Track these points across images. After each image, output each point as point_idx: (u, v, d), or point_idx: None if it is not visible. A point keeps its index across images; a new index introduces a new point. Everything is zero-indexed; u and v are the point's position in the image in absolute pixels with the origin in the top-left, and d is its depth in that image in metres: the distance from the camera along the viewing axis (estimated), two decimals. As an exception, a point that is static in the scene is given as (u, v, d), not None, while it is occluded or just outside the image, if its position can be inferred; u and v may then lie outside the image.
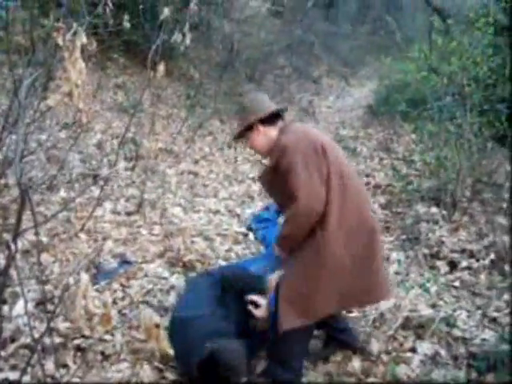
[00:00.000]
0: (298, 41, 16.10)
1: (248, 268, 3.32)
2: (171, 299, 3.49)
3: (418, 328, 3.31)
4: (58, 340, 2.82)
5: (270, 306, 2.83)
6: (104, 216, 4.64)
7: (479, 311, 3.52)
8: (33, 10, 3.75)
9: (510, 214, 5.06)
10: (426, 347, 3.12)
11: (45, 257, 3.66)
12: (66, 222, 4.33)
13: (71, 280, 2.01)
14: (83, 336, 2.92)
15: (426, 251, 4.45)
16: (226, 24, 11.94)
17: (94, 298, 2.05)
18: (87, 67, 2.64)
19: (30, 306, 3.01)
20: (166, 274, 3.79)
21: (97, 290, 3.32)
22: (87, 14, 3.96)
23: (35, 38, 3.46)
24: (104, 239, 4.14)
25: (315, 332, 3.00)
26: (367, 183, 6.34)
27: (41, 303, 3.07)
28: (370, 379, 2.88)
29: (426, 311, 3.49)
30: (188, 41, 4.07)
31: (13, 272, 2.60)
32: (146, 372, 2.73)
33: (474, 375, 2.89)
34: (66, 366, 2.69)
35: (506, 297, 3.65)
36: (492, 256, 4.18)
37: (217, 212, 5.29)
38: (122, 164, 5.92)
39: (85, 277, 1.90)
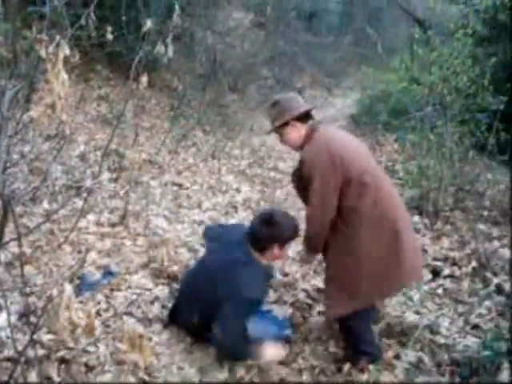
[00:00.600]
0: (280, 52, 16.21)
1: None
2: (155, 310, 3.48)
3: (401, 335, 3.34)
4: (41, 352, 2.80)
5: None
6: (88, 227, 4.62)
7: (462, 318, 3.56)
8: (15, 22, 3.74)
9: (490, 222, 5.13)
10: (409, 354, 3.14)
11: (28, 269, 3.64)
12: (50, 234, 4.31)
13: (55, 291, 2.01)
14: (67, 348, 2.90)
15: (409, 259, 4.49)
16: (209, 35, 11.99)
17: (78, 310, 2.05)
18: (70, 79, 2.64)
19: (13, 318, 2.99)
20: (150, 285, 3.78)
21: (80, 302, 3.31)
22: (70, 26, 3.98)
23: (18, 49, 3.46)
24: (87, 251, 4.12)
25: None
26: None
27: (24, 315, 3.06)
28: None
29: (410, 318, 3.52)
30: (171, 52, 4.08)
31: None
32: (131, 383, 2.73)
33: (457, 381, 2.91)
34: (49, 378, 2.67)
35: (487, 303, 3.70)
36: (474, 263, 4.23)
37: (201, 223, 5.29)
38: (105, 175, 5.91)
39: (68, 288, 1.90)
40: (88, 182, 5.46)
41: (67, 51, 2.77)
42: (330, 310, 3.05)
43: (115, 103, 8.39)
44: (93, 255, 4.09)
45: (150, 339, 3.14)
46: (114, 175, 5.98)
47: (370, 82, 12.93)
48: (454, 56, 5.60)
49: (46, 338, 2.92)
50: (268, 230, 3.05)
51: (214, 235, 3.55)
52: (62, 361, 2.82)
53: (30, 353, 2.66)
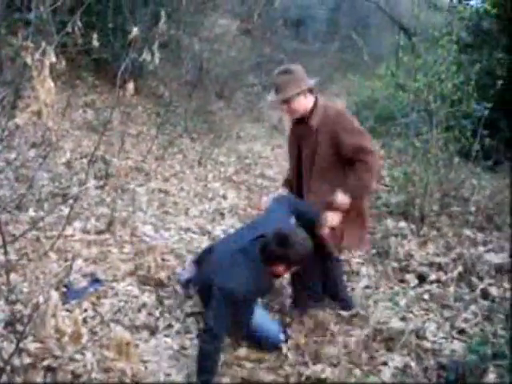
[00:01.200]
0: (267, 59, 16.25)
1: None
2: (142, 317, 3.48)
3: (388, 340, 3.35)
4: (27, 360, 2.79)
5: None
6: (74, 235, 4.60)
7: (448, 323, 3.58)
8: (0, 29, 3.74)
9: (476, 227, 5.17)
10: (396, 359, 3.16)
11: (14, 276, 3.61)
12: (36, 241, 4.29)
13: (41, 299, 2.00)
14: (53, 356, 2.89)
15: (395, 265, 4.51)
16: (195, 42, 11.99)
17: (64, 317, 2.04)
18: (56, 86, 2.64)
19: (-1, 326, 2.98)
20: (137, 292, 3.77)
21: (67, 310, 3.29)
22: (56, 33, 3.97)
23: (3, 56, 3.46)
24: (74, 258, 4.10)
25: None
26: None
27: (10, 324, 3.04)
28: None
29: (396, 324, 3.54)
30: (157, 60, 4.09)
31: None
32: (118, 391, 2.72)
33: (443, 386, 2.94)
34: (35, 386, 2.66)
35: (473, 308, 3.72)
36: (460, 268, 4.26)
37: (187, 230, 5.29)
38: (91, 182, 5.89)
39: (54, 295, 1.89)
40: (74, 190, 5.44)
41: (53, 58, 2.77)
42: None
43: (101, 110, 8.38)
44: (79, 263, 4.07)
45: (137, 346, 3.13)
46: (101, 182, 5.96)
47: (356, 89, 13.01)
48: (438, 63, 5.65)
49: (32, 346, 2.91)
50: (280, 250, 3.04)
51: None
52: (49, 369, 2.80)
53: (16, 361, 2.64)
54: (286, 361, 3.19)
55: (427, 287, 4.12)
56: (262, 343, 3.27)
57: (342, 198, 3.35)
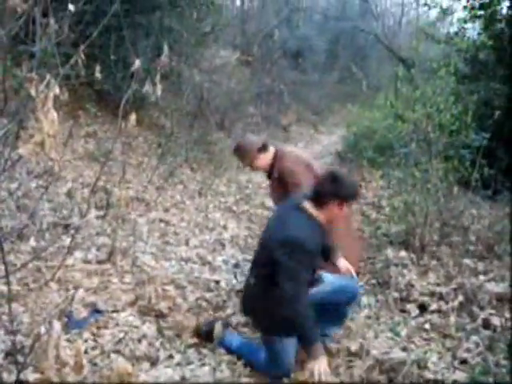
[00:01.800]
0: (267, 89, 16.44)
1: None
2: (143, 348, 3.46)
3: (389, 371, 3.33)
4: (27, 391, 2.78)
5: None
6: (75, 265, 4.61)
7: (449, 353, 3.56)
8: (5, 61, 3.79)
9: (476, 256, 5.17)
10: (398, 390, 3.14)
11: (14, 306, 3.61)
12: (37, 271, 4.29)
13: (42, 329, 2.01)
14: (54, 387, 2.88)
15: (396, 295, 4.50)
16: (196, 73, 12.11)
17: (66, 348, 2.04)
18: (58, 116, 2.68)
19: (-1, 357, 2.97)
20: (138, 323, 3.77)
21: (68, 340, 3.29)
22: (60, 65, 4.02)
23: (7, 88, 3.50)
24: (75, 288, 4.10)
25: None
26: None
27: (10, 354, 3.03)
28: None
29: (398, 354, 3.52)
30: (159, 91, 4.14)
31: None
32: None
33: (445, 417, 2.91)
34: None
35: (474, 338, 3.71)
36: (460, 298, 4.25)
37: (188, 260, 5.29)
38: (92, 212, 5.91)
39: (57, 326, 1.90)
40: (75, 219, 5.45)
41: (57, 90, 2.81)
42: None
43: (103, 140, 8.43)
44: (80, 293, 4.07)
45: (138, 377, 3.12)
46: (102, 212, 5.98)
47: (355, 119, 13.12)
48: (437, 94, 5.71)
49: (32, 377, 2.89)
50: (330, 185, 3.18)
51: None
52: (49, 400, 2.79)
53: (17, 392, 2.63)
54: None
55: (428, 317, 4.10)
56: None
57: None
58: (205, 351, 3.57)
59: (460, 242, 5.44)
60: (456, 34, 9.83)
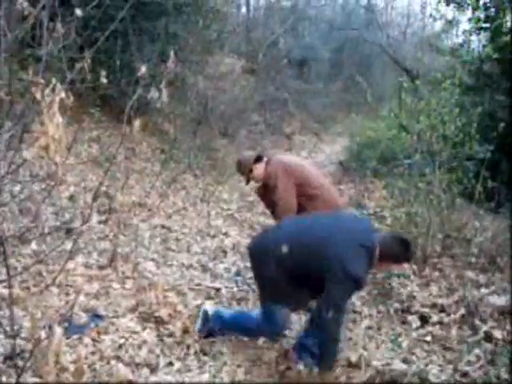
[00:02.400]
0: (271, 98, 16.45)
1: None
2: (143, 354, 3.45)
3: (390, 383, 3.32)
4: (26, 395, 2.76)
5: None
6: (76, 269, 4.60)
7: (451, 366, 3.55)
8: (11, 64, 3.80)
9: (478, 269, 5.15)
10: (398, 402, 3.12)
11: (15, 310, 3.60)
12: (38, 275, 4.28)
13: (43, 334, 2.00)
14: (53, 392, 2.86)
15: (398, 306, 4.49)
16: (200, 80, 12.14)
17: (66, 353, 2.03)
18: (63, 120, 2.68)
19: (-2, 360, 2.96)
20: (138, 329, 3.75)
21: (68, 345, 3.27)
22: (66, 69, 4.02)
23: (13, 91, 3.50)
24: (75, 293, 4.09)
25: None
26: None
27: (9, 358, 3.01)
28: None
29: (399, 366, 3.51)
30: (165, 97, 4.13)
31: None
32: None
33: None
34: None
35: (476, 351, 3.69)
36: (462, 310, 4.24)
37: (189, 266, 5.28)
38: (95, 217, 5.90)
39: (58, 331, 1.89)
40: (77, 223, 5.44)
41: (63, 95, 2.81)
42: None
43: (106, 145, 8.43)
44: (81, 298, 4.05)
45: (137, 384, 3.11)
46: (104, 217, 5.98)
47: (358, 129, 13.11)
48: (441, 105, 5.71)
49: (31, 381, 2.87)
50: (400, 250, 3.42)
51: None
52: (48, 405, 2.77)
53: (15, 396, 2.62)
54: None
55: (429, 329, 4.09)
56: None
57: None
58: (205, 358, 3.56)
59: (462, 254, 5.42)
60: (461, 45, 9.83)
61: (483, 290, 4.64)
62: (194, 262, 5.45)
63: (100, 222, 5.84)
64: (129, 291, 4.36)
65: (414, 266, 5.18)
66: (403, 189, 6.00)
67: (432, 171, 5.61)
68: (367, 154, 10.31)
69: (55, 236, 5.15)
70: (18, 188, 5.35)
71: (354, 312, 4.44)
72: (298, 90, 19.95)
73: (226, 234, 6.70)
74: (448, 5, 10.19)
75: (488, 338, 3.88)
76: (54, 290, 4.09)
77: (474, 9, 9.58)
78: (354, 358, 3.57)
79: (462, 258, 5.37)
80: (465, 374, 3.43)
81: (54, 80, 2.84)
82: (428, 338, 3.95)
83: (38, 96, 2.77)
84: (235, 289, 4.84)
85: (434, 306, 4.42)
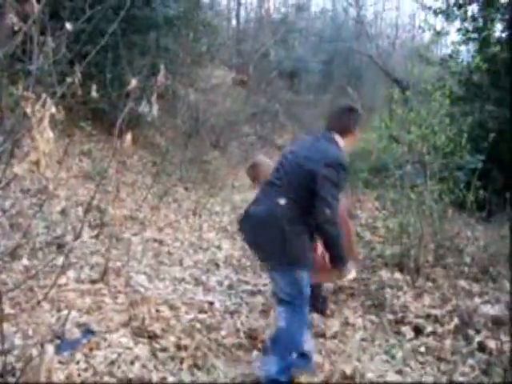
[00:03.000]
0: (262, 109, 16.48)
1: None
2: (136, 370, 3.41)
3: (385, 395, 3.31)
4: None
5: None
6: (68, 284, 4.56)
7: (445, 377, 3.54)
8: (1, 78, 3.78)
9: (471, 278, 5.16)
10: (393, 415, 3.11)
11: (6, 327, 3.56)
12: (29, 291, 4.24)
13: (34, 351, 1.98)
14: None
15: (391, 317, 4.48)
16: (191, 93, 12.16)
17: (58, 370, 2.01)
18: (54, 134, 2.67)
19: (-11, 378, 2.92)
20: (131, 344, 3.71)
21: (60, 362, 3.24)
22: (56, 84, 4.02)
23: (3, 106, 3.49)
24: (67, 308, 4.05)
25: None
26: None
27: (0, 375, 2.98)
28: None
29: (393, 378, 3.50)
30: (155, 111, 4.13)
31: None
32: None
33: None
34: None
35: (470, 361, 3.68)
36: (456, 321, 4.23)
37: (182, 280, 5.26)
38: (86, 231, 5.88)
39: (50, 349, 1.87)
40: (69, 238, 5.42)
41: (53, 109, 2.80)
42: None
43: (98, 159, 8.42)
44: (73, 313, 4.02)
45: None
46: (95, 231, 5.95)
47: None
48: (431, 115, 5.73)
49: (22, 399, 2.85)
50: (351, 116, 3.58)
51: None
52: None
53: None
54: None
55: (423, 340, 4.08)
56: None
57: None
58: (198, 374, 3.53)
59: (455, 264, 5.44)
60: (450, 56, 9.91)
61: (476, 300, 4.65)
62: (187, 275, 5.43)
63: (92, 237, 5.81)
64: (121, 306, 4.32)
65: (407, 277, 5.18)
66: (395, 199, 6.01)
67: (423, 182, 5.63)
68: (358, 165, 10.34)
69: (46, 251, 5.13)
70: (8, 203, 5.33)
71: (348, 324, 4.43)
72: (289, 101, 19.99)
73: (218, 246, 6.68)
74: (437, 16, 10.28)
75: (482, 348, 3.87)
76: (46, 305, 4.05)
77: (463, 20, 9.67)
78: (348, 371, 3.56)
79: (454, 267, 5.38)
80: (459, 385, 3.43)
81: (44, 95, 2.83)
82: (422, 349, 3.94)
83: (29, 111, 2.76)
84: (228, 302, 4.82)
85: (427, 316, 4.42)
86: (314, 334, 4.19)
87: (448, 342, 3.99)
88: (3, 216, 4.90)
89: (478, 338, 3.98)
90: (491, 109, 8.61)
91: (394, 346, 4.00)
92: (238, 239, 7.14)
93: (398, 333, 4.24)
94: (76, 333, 3.72)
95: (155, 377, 3.39)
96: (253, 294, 5.08)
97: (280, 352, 3.27)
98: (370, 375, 3.51)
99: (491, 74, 8.92)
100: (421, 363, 3.76)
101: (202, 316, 4.40)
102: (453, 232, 5.89)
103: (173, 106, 11.38)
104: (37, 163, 2.71)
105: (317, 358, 3.70)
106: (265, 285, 5.23)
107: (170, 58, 10.64)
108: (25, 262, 4.79)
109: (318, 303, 4.55)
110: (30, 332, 3.57)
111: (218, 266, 5.92)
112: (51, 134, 2.74)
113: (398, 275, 5.26)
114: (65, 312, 3.92)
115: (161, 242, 6.40)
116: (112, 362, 3.43)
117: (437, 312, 4.44)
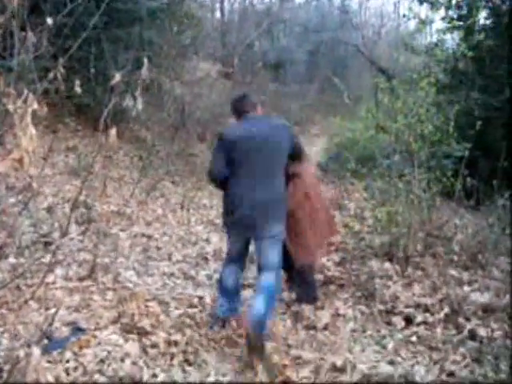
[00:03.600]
0: (248, 101, 16.40)
1: None
2: (126, 367, 3.38)
3: (377, 386, 3.30)
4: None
5: None
6: (55, 282, 4.52)
7: (437, 366, 3.53)
8: (-18, 76, 3.73)
9: (460, 266, 5.17)
10: (386, 405, 3.10)
11: (-8, 327, 3.53)
12: (16, 290, 4.20)
13: (21, 353, 1.95)
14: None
15: (382, 307, 4.47)
16: (177, 86, 12.09)
17: (46, 370, 1.98)
18: (38, 131, 2.63)
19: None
20: (120, 341, 3.68)
21: (48, 361, 3.20)
22: (38, 79, 3.96)
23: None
24: (55, 306, 4.01)
25: None
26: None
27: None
28: None
29: (385, 368, 3.49)
30: (140, 105, 4.08)
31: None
32: None
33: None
34: None
35: (461, 350, 3.68)
36: (446, 309, 4.23)
37: (171, 275, 5.22)
38: (73, 228, 5.83)
39: (36, 351, 1.84)
40: (56, 235, 5.37)
41: (35, 106, 2.75)
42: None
43: (83, 155, 8.35)
44: (61, 311, 3.98)
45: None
46: (83, 227, 5.90)
47: (336, 130, 13.14)
48: (418, 104, 5.72)
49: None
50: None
51: None
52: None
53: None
54: None
55: (414, 329, 4.07)
56: None
57: None
58: (189, 369, 3.51)
59: (444, 253, 5.44)
60: (436, 44, 9.90)
61: (466, 288, 4.66)
62: (176, 270, 5.40)
63: (79, 233, 5.76)
64: (110, 302, 4.29)
65: (397, 266, 5.18)
66: (383, 189, 6.00)
67: (411, 171, 5.62)
68: (346, 155, 10.34)
69: (33, 249, 5.08)
70: (-7, 201, 5.26)
71: (338, 315, 4.42)
72: (275, 92, 19.99)
73: (206, 240, 6.65)
74: (421, 4, 10.27)
75: (472, 336, 3.87)
76: (34, 304, 4.01)
77: (447, 8, 9.66)
78: (339, 362, 3.55)
79: (443, 256, 5.38)
80: (451, 374, 3.42)
81: (25, 91, 2.79)
82: (413, 339, 3.93)
83: (11, 108, 2.71)
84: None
85: (417, 305, 4.41)
86: (304, 327, 4.19)
87: (439, 331, 3.99)
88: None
89: (468, 326, 3.98)
90: (477, 96, 8.62)
91: (385, 336, 4.00)
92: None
93: (389, 323, 4.23)
94: (65, 331, 3.68)
95: (146, 374, 3.36)
96: (242, 287, 5.06)
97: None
98: (361, 366, 3.50)
99: (476, 61, 8.95)
100: (412, 353, 3.75)
101: (191, 311, 4.37)
102: (441, 221, 5.90)
103: (158, 100, 11.31)
104: (20, 161, 2.66)
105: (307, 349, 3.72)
106: (254, 278, 5.21)
107: (155, 51, 10.57)
108: (11, 260, 4.74)
109: (310, 290, 4.62)
110: (18, 332, 3.52)
111: (206, 259, 5.89)
112: (34, 131, 2.70)
113: (387, 265, 5.26)
114: (53, 310, 3.88)
115: (149, 237, 6.37)
116: (102, 360, 3.40)
117: (427, 301, 4.44)
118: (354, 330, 4.16)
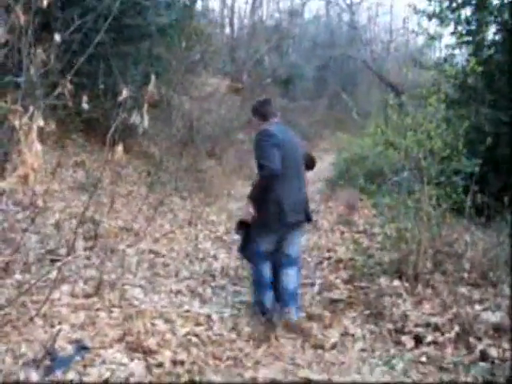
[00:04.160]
0: (257, 116, 16.41)
1: None
2: (130, 387, 3.33)
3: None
4: None
5: None
6: (61, 299, 4.48)
7: (447, 388, 3.46)
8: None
9: (471, 284, 5.09)
10: (395, 428, 3.03)
11: (-4, 345, 3.49)
12: (21, 307, 4.16)
13: (21, 376, 1.91)
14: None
15: (391, 326, 4.40)
16: (186, 101, 12.12)
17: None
18: (46, 146, 2.61)
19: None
20: (125, 360, 3.63)
21: (52, 381, 3.15)
22: (46, 95, 3.96)
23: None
24: (60, 324, 3.97)
25: None
26: (329, 258, 6.37)
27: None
28: None
29: (394, 390, 3.42)
30: (146, 123, 4.08)
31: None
32: None
33: None
34: None
35: (473, 371, 3.61)
36: (457, 329, 4.15)
37: (178, 292, 5.17)
38: (80, 244, 5.80)
39: (35, 376, 1.79)
40: (62, 251, 5.34)
41: (41, 122, 2.74)
42: None
43: (91, 170, 8.35)
44: (66, 329, 3.94)
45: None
46: (90, 243, 5.87)
47: (345, 146, 13.10)
48: (427, 120, 5.68)
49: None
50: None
51: None
52: None
53: None
54: None
55: (424, 349, 4.00)
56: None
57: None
58: (195, 389, 3.45)
59: (454, 270, 5.36)
60: (445, 60, 9.88)
61: (477, 307, 4.58)
62: (183, 287, 5.35)
63: (86, 249, 5.73)
64: (116, 320, 4.24)
65: (406, 284, 5.11)
66: (392, 205, 5.94)
67: (421, 187, 5.56)
68: (355, 171, 10.30)
69: (39, 265, 5.05)
70: (0, 217, 5.25)
71: (346, 334, 4.35)
72: (284, 107, 19.99)
73: (214, 256, 6.61)
74: (430, 20, 10.25)
75: (484, 356, 3.80)
76: (39, 321, 3.97)
77: (456, 23, 9.64)
78: None
79: (453, 273, 5.30)
80: (462, 396, 3.35)
81: (31, 108, 2.77)
82: (423, 359, 3.86)
83: (17, 124, 2.70)
84: (226, 314, 4.74)
85: (427, 324, 4.33)
86: (312, 346, 4.13)
87: (449, 351, 3.91)
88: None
89: (479, 347, 3.90)
90: (487, 112, 8.56)
91: (394, 356, 3.93)
92: (234, 249, 7.07)
93: (398, 342, 4.16)
94: (69, 349, 3.63)
95: (150, 394, 3.31)
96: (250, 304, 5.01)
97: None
98: (370, 387, 3.44)
99: (486, 76, 8.89)
100: (422, 374, 3.68)
101: (198, 329, 4.31)
102: (451, 237, 5.82)
103: (167, 115, 11.32)
104: (25, 177, 2.64)
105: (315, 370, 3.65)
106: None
107: (164, 67, 10.59)
108: (18, 276, 4.71)
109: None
110: (22, 350, 3.48)
111: (214, 276, 5.84)
112: (39, 148, 2.68)
113: (396, 282, 5.18)
114: (58, 328, 3.84)
115: (156, 253, 6.33)
116: (106, 380, 3.35)
117: (437, 320, 4.36)
118: (362, 350, 4.10)
